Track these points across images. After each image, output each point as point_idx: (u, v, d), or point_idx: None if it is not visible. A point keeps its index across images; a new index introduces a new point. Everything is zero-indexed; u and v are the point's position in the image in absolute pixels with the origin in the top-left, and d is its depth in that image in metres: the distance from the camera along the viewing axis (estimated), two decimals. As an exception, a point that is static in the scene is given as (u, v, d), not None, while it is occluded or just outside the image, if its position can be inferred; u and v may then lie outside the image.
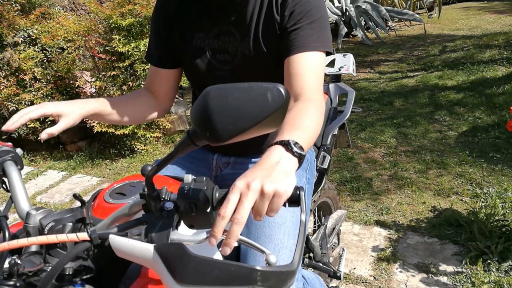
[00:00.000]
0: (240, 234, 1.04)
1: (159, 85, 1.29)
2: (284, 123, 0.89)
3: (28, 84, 3.58)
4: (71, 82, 3.69)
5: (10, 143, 0.97)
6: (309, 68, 1.04)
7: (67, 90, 3.74)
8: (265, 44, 1.11)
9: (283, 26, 1.08)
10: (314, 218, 1.88)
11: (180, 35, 1.19)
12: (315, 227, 1.90)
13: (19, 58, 3.52)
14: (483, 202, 2.56)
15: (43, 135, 0.98)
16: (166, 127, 3.78)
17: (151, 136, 3.65)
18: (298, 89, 1.03)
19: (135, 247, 0.63)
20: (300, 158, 0.77)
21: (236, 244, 0.68)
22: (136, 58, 3.35)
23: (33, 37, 3.71)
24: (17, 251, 0.69)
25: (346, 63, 1.75)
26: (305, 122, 0.91)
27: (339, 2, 7.48)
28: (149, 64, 1.30)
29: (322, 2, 1.10)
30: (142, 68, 3.37)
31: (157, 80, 1.29)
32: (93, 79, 3.54)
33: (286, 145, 0.77)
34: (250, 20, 1.11)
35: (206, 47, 1.16)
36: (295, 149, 0.76)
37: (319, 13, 1.08)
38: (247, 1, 1.10)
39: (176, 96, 1.41)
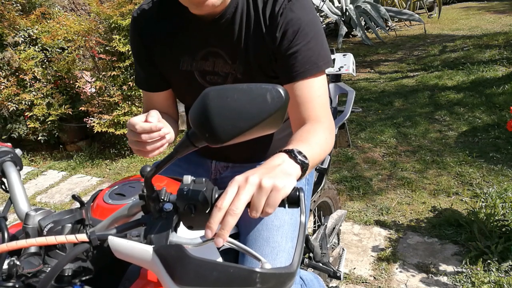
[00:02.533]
0: (238, 236, 1.04)
1: (157, 108, 1.18)
2: (291, 140, 0.88)
3: (28, 84, 3.58)
4: (71, 82, 3.69)
5: (9, 144, 0.96)
6: (313, 93, 1.00)
7: (67, 90, 3.74)
8: (257, 64, 1.05)
9: (277, 48, 1.00)
10: (314, 218, 1.88)
11: (164, 59, 1.12)
12: (315, 227, 1.90)
13: (19, 58, 3.52)
14: (483, 202, 2.56)
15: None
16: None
17: (151, 136, 3.64)
18: (305, 116, 1.00)
19: (134, 248, 0.62)
20: (303, 166, 0.77)
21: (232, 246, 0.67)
22: (136, 58, 3.34)
23: (33, 37, 3.71)
24: (16, 252, 0.69)
25: (346, 63, 1.75)
26: (313, 139, 0.89)
27: (339, 2, 7.48)
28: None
29: (314, 13, 1.02)
30: (142, 68, 3.37)
31: (153, 104, 1.21)
32: (93, 79, 3.54)
33: (289, 152, 0.77)
34: (238, 41, 1.04)
35: (194, 70, 1.10)
36: (298, 156, 0.77)
37: (314, 28, 1.00)
38: (232, 21, 1.02)
39: None
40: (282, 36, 0.99)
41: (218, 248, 0.91)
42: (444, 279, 2.03)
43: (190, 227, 0.69)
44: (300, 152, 0.77)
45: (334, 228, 1.83)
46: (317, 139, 0.90)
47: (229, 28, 1.03)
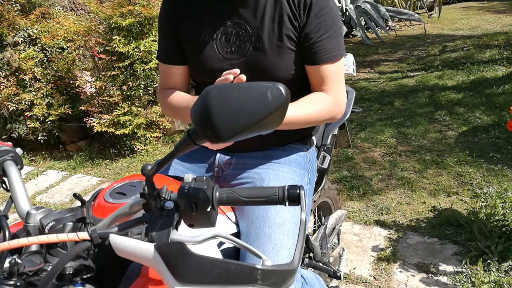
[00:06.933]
0: (239, 235, 1.06)
1: (173, 82, 1.29)
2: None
3: (28, 84, 3.58)
4: (71, 82, 3.69)
5: (10, 143, 0.96)
6: (334, 74, 1.17)
7: (67, 90, 3.74)
8: (279, 39, 1.12)
9: (305, 30, 1.11)
10: (314, 218, 1.88)
11: (187, 30, 1.20)
12: (315, 227, 1.90)
13: (19, 58, 3.52)
14: (483, 202, 2.56)
15: None
16: (166, 127, 3.78)
17: (151, 136, 3.65)
18: (321, 88, 1.17)
19: (135, 246, 0.63)
20: None
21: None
22: (136, 58, 3.35)
23: (33, 37, 3.71)
24: (18, 251, 0.69)
25: (346, 63, 1.74)
26: (304, 106, 1.10)
27: (339, 2, 7.48)
28: (159, 63, 1.30)
29: (334, 3, 1.16)
30: (142, 68, 3.37)
31: (170, 78, 1.29)
32: (93, 79, 3.54)
33: None
34: (263, 15, 1.12)
35: (214, 41, 1.16)
36: None
37: (336, 16, 1.14)
38: None
39: None
40: (313, 19, 1.11)
41: (219, 246, 0.92)
42: (444, 279, 2.03)
43: (191, 225, 0.69)
44: None
45: (334, 228, 1.83)
46: (309, 108, 1.11)
47: (255, 1, 1.12)
